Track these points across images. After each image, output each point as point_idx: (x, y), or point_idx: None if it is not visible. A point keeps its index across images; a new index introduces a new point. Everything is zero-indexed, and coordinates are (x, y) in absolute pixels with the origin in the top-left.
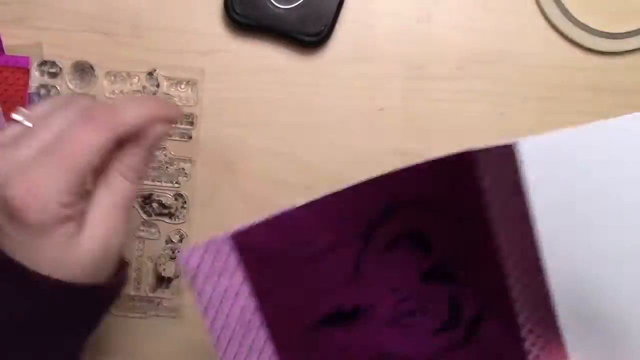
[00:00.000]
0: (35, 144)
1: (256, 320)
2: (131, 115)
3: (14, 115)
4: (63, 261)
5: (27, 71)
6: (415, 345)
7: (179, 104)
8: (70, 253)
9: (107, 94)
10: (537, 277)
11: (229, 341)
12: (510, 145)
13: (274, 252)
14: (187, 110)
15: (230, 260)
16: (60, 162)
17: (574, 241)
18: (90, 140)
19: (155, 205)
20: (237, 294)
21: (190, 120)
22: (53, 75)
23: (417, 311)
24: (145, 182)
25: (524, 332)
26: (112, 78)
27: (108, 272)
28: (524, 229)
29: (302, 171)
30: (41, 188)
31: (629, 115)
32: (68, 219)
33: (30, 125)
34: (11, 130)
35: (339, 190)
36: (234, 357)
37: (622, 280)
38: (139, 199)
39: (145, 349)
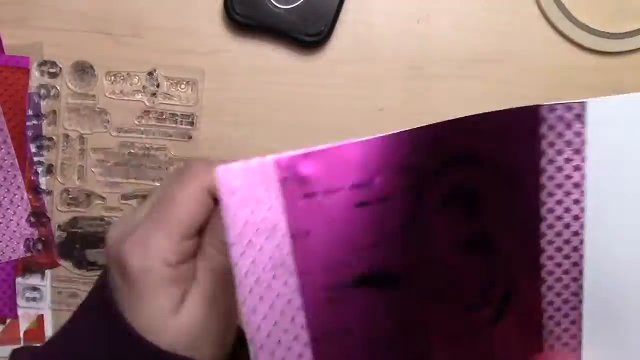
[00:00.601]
0: (146, 207)
1: (290, 263)
2: None
3: None
4: (164, 329)
5: (27, 71)
6: (446, 320)
7: (178, 104)
8: (172, 321)
9: (107, 94)
10: (573, 258)
11: (255, 281)
12: (578, 104)
13: (321, 187)
14: (187, 110)
15: (272, 188)
16: (164, 219)
17: (622, 225)
18: (186, 191)
19: None
20: (274, 228)
21: (191, 120)
22: (53, 75)
23: (455, 283)
24: (146, 182)
25: (545, 317)
26: (112, 78)
27: (206, 352)
28: (572, 200)
29: None
30: (148, 244)
31: None
32: (172, 282)
33: None
34: None
35: (398, 132)
36: (259, 299)
37: None
38: (139, 199)
39: None
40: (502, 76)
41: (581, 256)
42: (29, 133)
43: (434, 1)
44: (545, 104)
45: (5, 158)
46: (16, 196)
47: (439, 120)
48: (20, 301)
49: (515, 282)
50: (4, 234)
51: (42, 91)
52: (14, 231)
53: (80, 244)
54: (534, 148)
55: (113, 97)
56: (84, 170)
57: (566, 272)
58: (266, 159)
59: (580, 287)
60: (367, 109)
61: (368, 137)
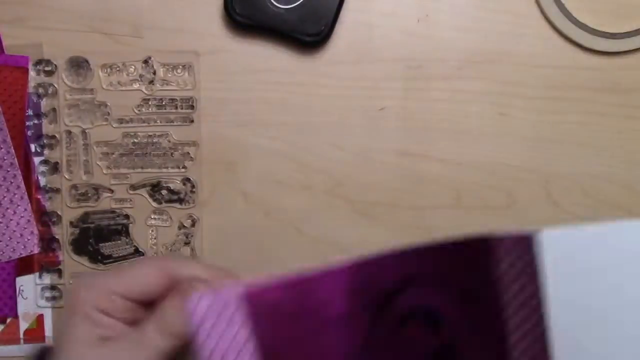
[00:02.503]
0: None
1: None
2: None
3: None
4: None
5: (26, 71)
6: None
7: (176, 88)
8: (89, 351)
9: (104, 86)
10: None
11: None
12: (530, 235)
13: (284, 314)
14: (186, 94)
15: (237, 315)
16: (115, 274)
17: (586, 342)
18: (146, 263)
19: (164, 192)
20: (240, 352)
21: (190, 104)
22: (49, 73)
23: None
24: (152, 170)
25: None
26: (108, 70)
27: None
28: (535, 319)
29: (302, 171)
30: (94, 283)
31: None
32: (94, 323)
33: None
34: None
35: (357, 258)
36: None
37: None
38: (148, 188)
39: None
40: (502, 76)
41: None
42: (30, 133)
43: (434, 1)
44: (494, 235)
45: (5, 158)
46: (16, 196)
47: (435, 121)
48: (40, 301)
49: None
50: (3, 234)
51: (40, 90)
52: (14, 231)
53: (94, 238)
54: (490, 273)
55: (111, 88)
56: (89, 164)
57: None
58: (231, 288)
59: None
60: (367, 109)
61: (330, 265)
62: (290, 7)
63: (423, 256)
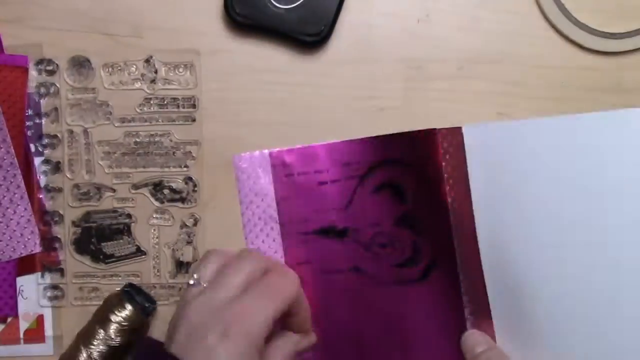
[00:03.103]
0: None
1: (275, 216)
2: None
3: (190, 281)
4: None
5: (25, 70)
6: (379, 270)
7: (178, 87)
8: None
9: (106, 86)
10: (473, 244)
11: (254, 225)
12: (460, 127)
13: (297, 170)
14: (187, 93)
15: (266, 169)
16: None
17: (499, 213)
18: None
19: (166, 191)
20: (266, 194)
21: (192, 102)
22: (50, 72)
23: (387, 245)
24: (154, 170)
25: (463, 289)
26: (110, 69)
27: None
28: (464, 196)
29: None
30: (249, 315)
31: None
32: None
33: (204, 285)
34: (192, 291)
35: (351, 139)
36: (255, 237)
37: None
38: (150, 187)
39: None
40: (502, 76)
41: (478, 246)
42: (30, 133)
43: (434, 1)
44: (438, 128)
45: (5, 157)
46: (16, 195)
47: (435, 121)
48: (42, 301)
49: (437, 256)
50: (4, 233)
51: (42, 90)
52: (14, 230)
53: (96, 238)
54: (436, 157)
55: (113, 88)
56: (91, 164)
57: (470, 253)
58: (264, 151)
59: (481, 267)
60: (367, 109)
61: (327, 142)
62: (290, 7)
63: (392, 143)
